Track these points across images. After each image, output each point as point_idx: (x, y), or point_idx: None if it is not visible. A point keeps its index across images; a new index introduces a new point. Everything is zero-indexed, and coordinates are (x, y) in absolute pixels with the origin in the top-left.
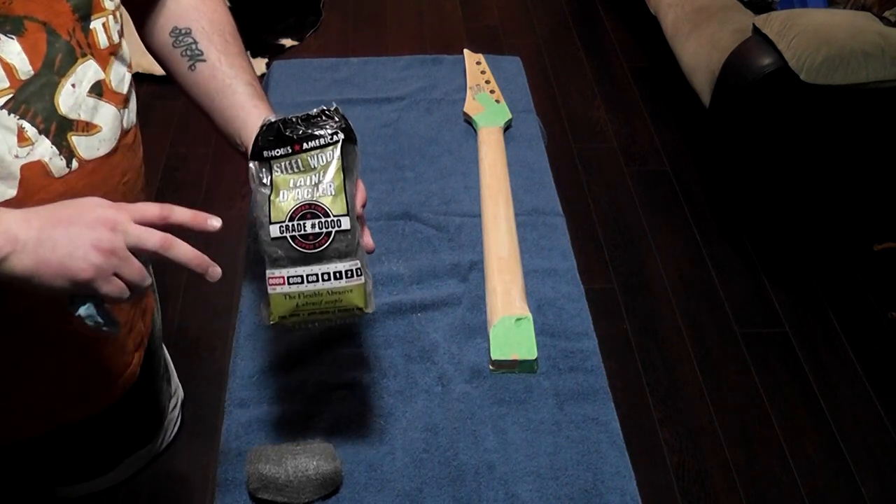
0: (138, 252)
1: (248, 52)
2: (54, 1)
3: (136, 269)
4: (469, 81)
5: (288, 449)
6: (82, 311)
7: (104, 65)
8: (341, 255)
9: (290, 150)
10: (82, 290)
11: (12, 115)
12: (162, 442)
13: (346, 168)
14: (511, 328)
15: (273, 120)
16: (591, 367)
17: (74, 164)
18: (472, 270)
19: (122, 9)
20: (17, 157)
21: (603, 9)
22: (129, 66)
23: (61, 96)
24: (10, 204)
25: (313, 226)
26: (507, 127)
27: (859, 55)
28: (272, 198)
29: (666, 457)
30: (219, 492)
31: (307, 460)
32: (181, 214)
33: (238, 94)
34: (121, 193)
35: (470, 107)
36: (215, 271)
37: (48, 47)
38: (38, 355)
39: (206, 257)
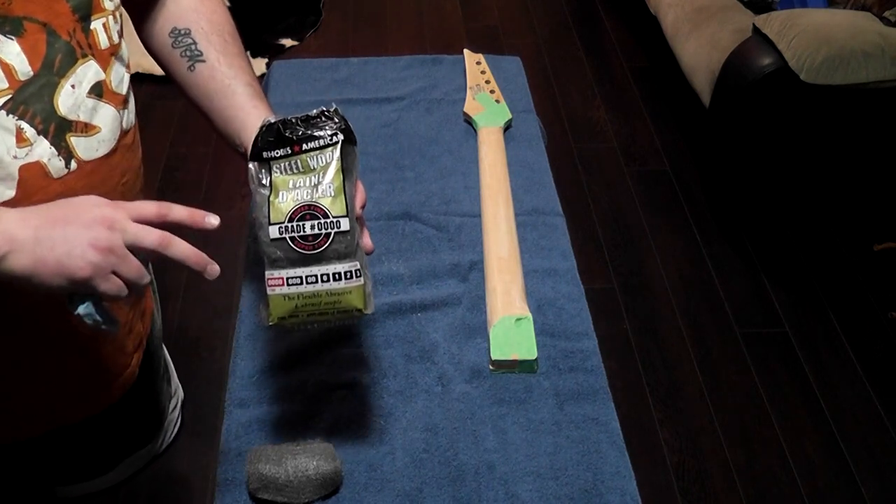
0: (136, 250)
1: (248, 52)
2: (54, 1)
3: (134, 268)
4: (469, 81)
5: (288, 449)
6: (81, 309)
7: (105, 65)
8: (340, 257)
9: (289, 151)
10: (81, 288)
11: (11, 115)
12: (162, 442)
13: (346, 169)
14: (511, 328)
15: (272, 121)
16: (591, 367)
17: (73, 164)
18: (472, 270)
19: (122, 9)
20: (15, 157)
21: (603, 9)
22: (128, 67)
23: (60, 97)
24: (8, 205)
25: (312, 227)
26: (507, 127)
27: (859, 55)
28: (271, 199)
29: (666, 457)
30: (219, 492)
31: (307, 460)
32: (179, 212)
33: (237, 94)
34: (119, 194)
35: (470, 107)
36: (213, 269)
37: (48, 48)
38: (37, 355)
39: (204, 255)
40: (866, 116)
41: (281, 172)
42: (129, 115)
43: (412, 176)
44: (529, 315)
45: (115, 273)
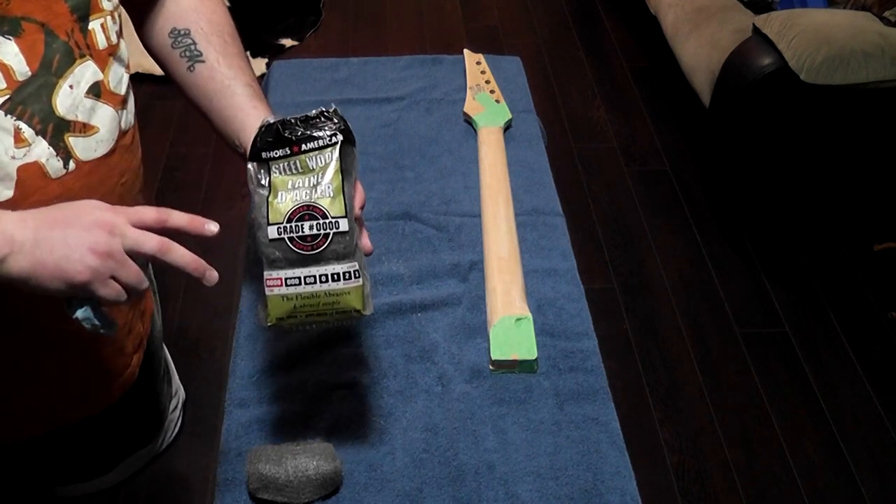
0: (135, 255)
1: (248, 53)
2: (52, 2)
3: (133, 273)
4: (469, 81)
5: (288, 449)
6: (79, 313)
7: (103, 66)
8: (339, 257)
9: (288, 152)
10: (79, 292)
11: (9, 116)
12: (162, 442)
13: (345, 169)
14: (511, 328)
15: (272, 121)
16: (591, 367)
17: (72, 165)
18: (472, 270)
19: (121, 9)
20: (13, 158)
21: (603, 9)
22: (128, 67)
23: (59, 97)
24: (6, 205)
25: (311, 227)
26: (507, 127)
27: (859, 55)
28: (270, 199)
29: (666, 457)
30: (219, 492)
31: (307, 460)
32: (178, 218)
33: (237, 95)
34: (118, 195)
35: (470, 107)
36: (212, 275)
37: (46, 48)
38: (38, 356)
39: (202, 261)
40: (866, 116)
41: (280, 173)
42: (128, 116)
43: (412, 176)
44: (529, 315)
45: (113, 278)
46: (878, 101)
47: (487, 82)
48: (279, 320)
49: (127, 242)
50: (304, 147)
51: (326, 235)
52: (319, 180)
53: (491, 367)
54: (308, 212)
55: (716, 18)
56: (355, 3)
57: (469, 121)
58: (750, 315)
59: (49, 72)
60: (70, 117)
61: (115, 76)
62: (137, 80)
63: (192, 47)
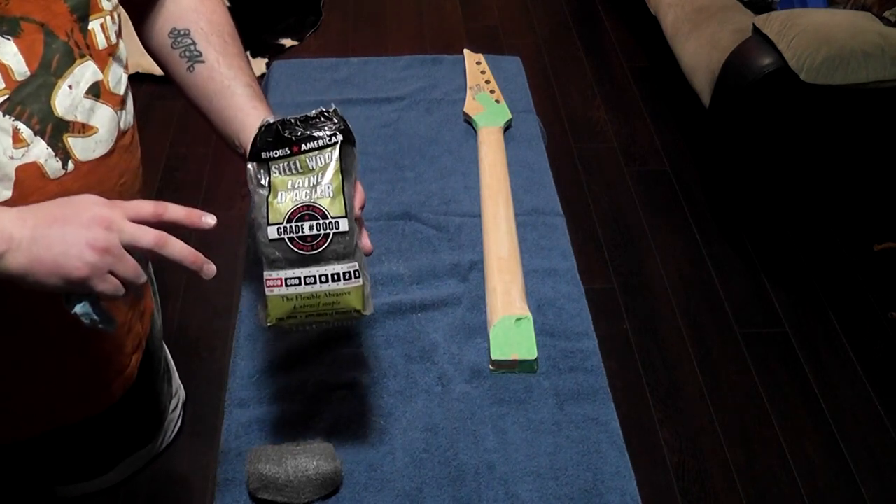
0: (133, 250)
1: (248, 53)
2: (52, 2)
3: (131, 267)
4: (469, 81)
5: (288, 449)
6: (78, 308)
7: (102, 66)
8: (339, 257)
9: (288, 152)
10: (77, 288)
11: (7, 116)
12: (162, 442)
13: (345, 169)
14: (511, 328)
15: (271, 121)
16: (591, 367)
17: (70, 165)
18: (472, 270)
19: (121, 9)
20: (12, 158)
21: (603, 9)
22: (126, 68)
23: (58, 98)
24: (5, 205)
25: (311, 227)
26: (507, 127)
27: (859, 55)
28: (270, 199)
29: (666, 457)
30: (219, 492)
31: (307, 460)
32: (175, 212)
33: (237, 95)
34: (117, 195)
35: (470, 107)
36: (210, 268)
37: (45, 48)
38: (37, 355)
39: (200, 255)
40: (866, 116)
41: (280, 173)
42: (127, 116)
43: (412, 176)
44: (529, 315)
45: (111, 273)
46: (878, 101)
47: (487, 82)
48: (279, 320)
49: (124, 237)
50: (303, 147)
51: (326, 235)
52: (319, 180)
53: (491, 367)
54: (308, 212)
55: (716, 18)
56: (355, 3)
57: (469, 121)
58: (750, 315)
59: (48, 72)
60: (69, 117)
61: (114, 76)
62: (137, 80)
63: (192, 47)
